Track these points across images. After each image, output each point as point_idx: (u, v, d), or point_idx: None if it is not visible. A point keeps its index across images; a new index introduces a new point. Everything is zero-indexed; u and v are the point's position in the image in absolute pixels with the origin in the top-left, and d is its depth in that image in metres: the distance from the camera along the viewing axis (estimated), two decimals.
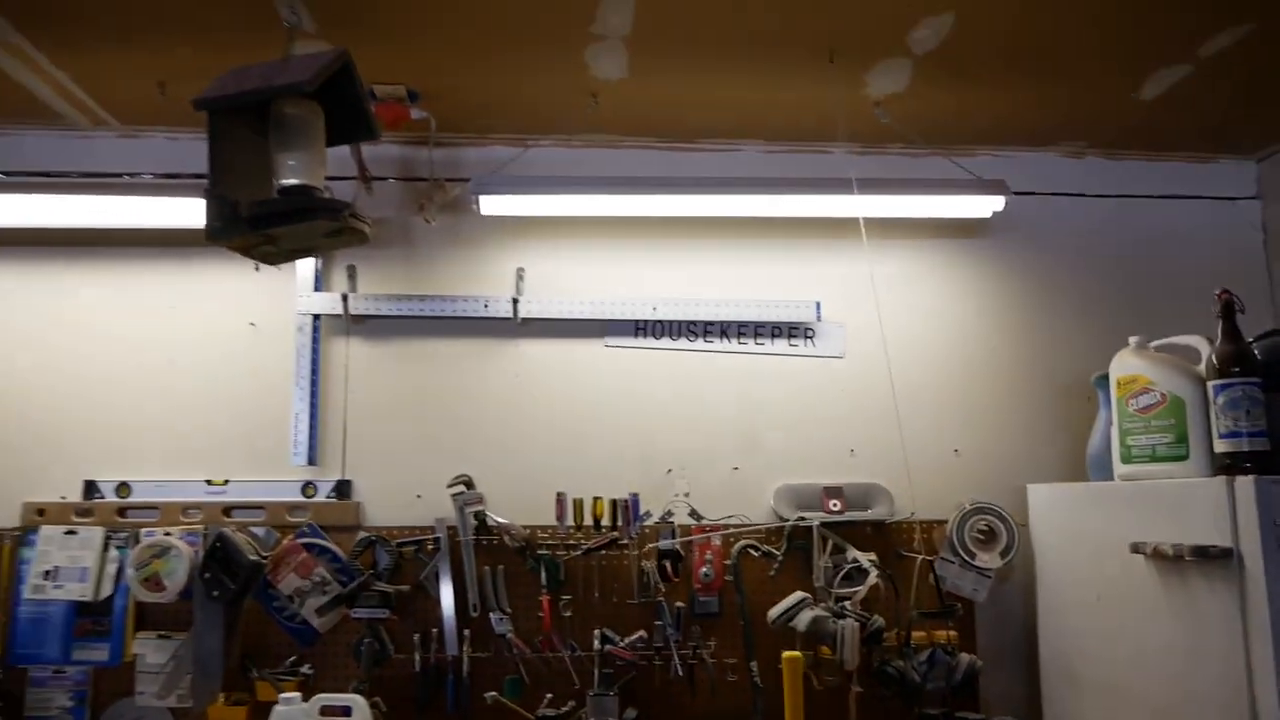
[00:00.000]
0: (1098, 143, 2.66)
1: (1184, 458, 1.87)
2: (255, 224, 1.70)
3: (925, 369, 2.56)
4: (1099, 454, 2.21)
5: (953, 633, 2.27)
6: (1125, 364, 2.03)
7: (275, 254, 1.86)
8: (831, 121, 2.42)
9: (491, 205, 2.33)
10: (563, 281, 2.54)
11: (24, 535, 2.32)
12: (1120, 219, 2.68)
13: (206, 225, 1.71)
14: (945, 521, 2.36)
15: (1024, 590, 2.38)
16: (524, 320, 2.48)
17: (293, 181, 1.74)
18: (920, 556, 2.33)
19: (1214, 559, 1.67)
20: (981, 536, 2.30)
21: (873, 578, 2.21)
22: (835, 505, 2.37)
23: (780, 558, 2.35)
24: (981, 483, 2.46)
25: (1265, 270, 2.70)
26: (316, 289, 2.47)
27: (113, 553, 2.31)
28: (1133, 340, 2.05)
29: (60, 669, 2.27)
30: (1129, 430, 1.98)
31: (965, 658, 2.21)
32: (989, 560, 2.28)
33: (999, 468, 2.50)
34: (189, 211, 2.24)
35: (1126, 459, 1.99)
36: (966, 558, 2.29)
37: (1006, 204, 2.41)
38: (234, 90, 1.71)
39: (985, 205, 2.42)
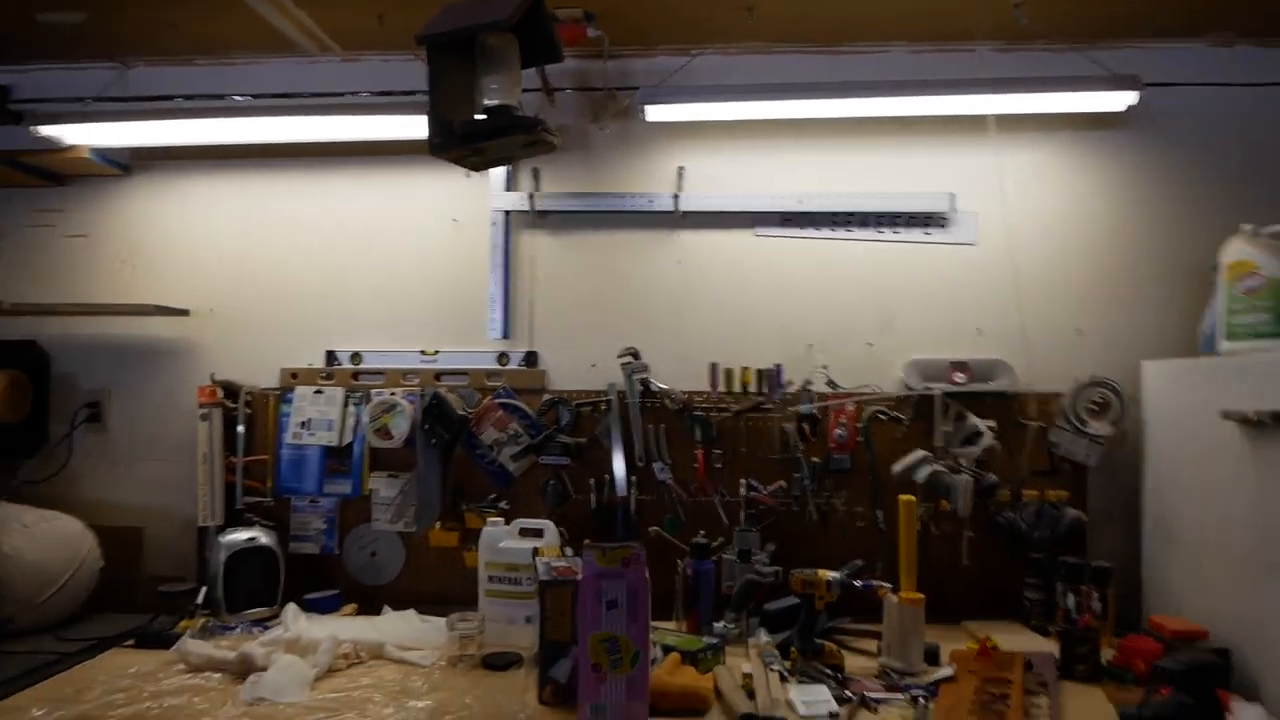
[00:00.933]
0: (1249, 30, 2.67)
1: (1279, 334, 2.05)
2: (467, 139, 2.10)
3: (1052, 255, 2.75)
4: (1210, 333, 2.38)
5: (1063, 492, 2.54)
6: (1236, 250, 2.20)
7: (480, 162, 2.26)
8: (974, 22, 2.57)
9: (656, 113, 2.65)
10: (718, 178, 2.84)
11: (283, 394, 2.89)
12: (1264, 108, 2.72)
13: (429, 140, 2.12)
14: (1062, 394, 2.59)
15: (1134, 458, 2.59)
16: (684, 214, 2.82)
17: (495, 102, 2.11)
18: (1036, 424, 2.59)
19: None
20: (1095, 407, 2.53)
21: (988, 439, 2.50)
22: (960, 378, 2.64)
23: (907, 422, 2.65)
24: (1101, 359, 2.65)
25: None
26: (507, 189, 2.88)
27: (351, 408, 2.85)
28: (1245, 228, 2.20)
29: (315, 499, 2.84)
30: (1234, 310, 2.17)
31: (1071, 512, 2.48)
32: (1101, 428, 2.52)
33: (1118, 345, 2.68)
34: (403, 126, 2.67)
35: (1230, 336, 2.19)
36: (1080, 425, 2.53)
37: (1142, 97, 2.51)
38: (447, 26, 2.08)
39: (1117, 100, 2.54)
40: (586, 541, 1.87)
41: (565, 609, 1.93)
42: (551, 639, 1.94)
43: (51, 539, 2.56)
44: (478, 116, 2.10)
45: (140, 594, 2.72)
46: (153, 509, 2.94)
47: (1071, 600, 2.23)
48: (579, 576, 1.86)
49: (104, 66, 3.02)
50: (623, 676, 1.76)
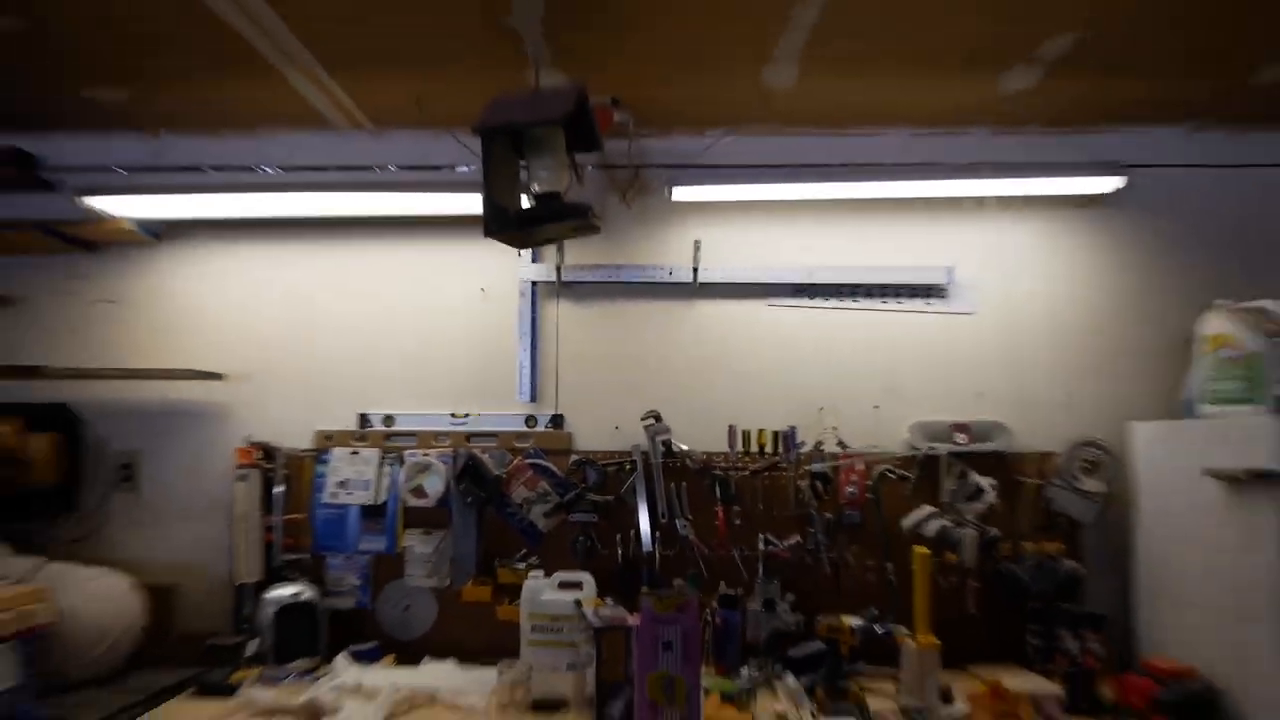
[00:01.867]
0: (1222, 119, 2.95)
1: (1254, 400, 2.30)
2: (522, 223, 2.29)
3: (1045, 323, 3.00)
4: (1191, 398, 2.62)
5: (1060, 545, 2.75)
6: (1215, 323, 2.46)
7: (530, 243, 2.46)
8: (969, 112, 2.86)
9: (682, 194, 2.89)
10: (733, 251, 3.06)
11: (319, 455, 3.02)
12: (1236, 189, 2.99)
13: (484, 223, 2.28)
14: (1056, 454, 2.82)
15: (1124, 513, 2.80)
16: (701, 285, 3.03)
17: (545, 189, 2.31)
18: (1032, 481, 2.81)
19: (1264, 479, 2.12)
20: (1088, 466, 2.76)
21: (990, 496, 2.71)
22: (961, 438, 2.86)
23: (913, 480, 2.85)
24: (1091, 421, 2.90)
25: None
26: (534, 260, 3.07)
27: (386, 468, 2.99)
28: (1221, 302, 2.46)
29: (350, 556, 2.96)
30: (1213, 378, 2.43)
31: (1068, 563, 2.69)
32: (1094, 486, 2.75)
33: (1107, 408, 2.92)
34: (436, 203, 2.88)
35: (1209, 401, 2.44)
36: (1074, 483, 2.76)
37: (1126, 180, 2.80)
38: (502, 119, 2.27)
39: (1104, 184, 2.82)
40: (644, 589, 2.03)
41: (619, 652, 2.09)
42: (606, 679, 2.10)
43: (103, 596, 2.68)
44: (529, 204, 2.29)
45: (176, 648, 2.82)
46: (185, 567, 3.03)
47: (1073, 644, 2.43)
48: (630, 623, 2.03)
49: (133, 136, 3.15)
50: (677, 712, 1.93)
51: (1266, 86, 2.67)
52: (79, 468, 3.08)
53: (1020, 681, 2.48)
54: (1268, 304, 2.37)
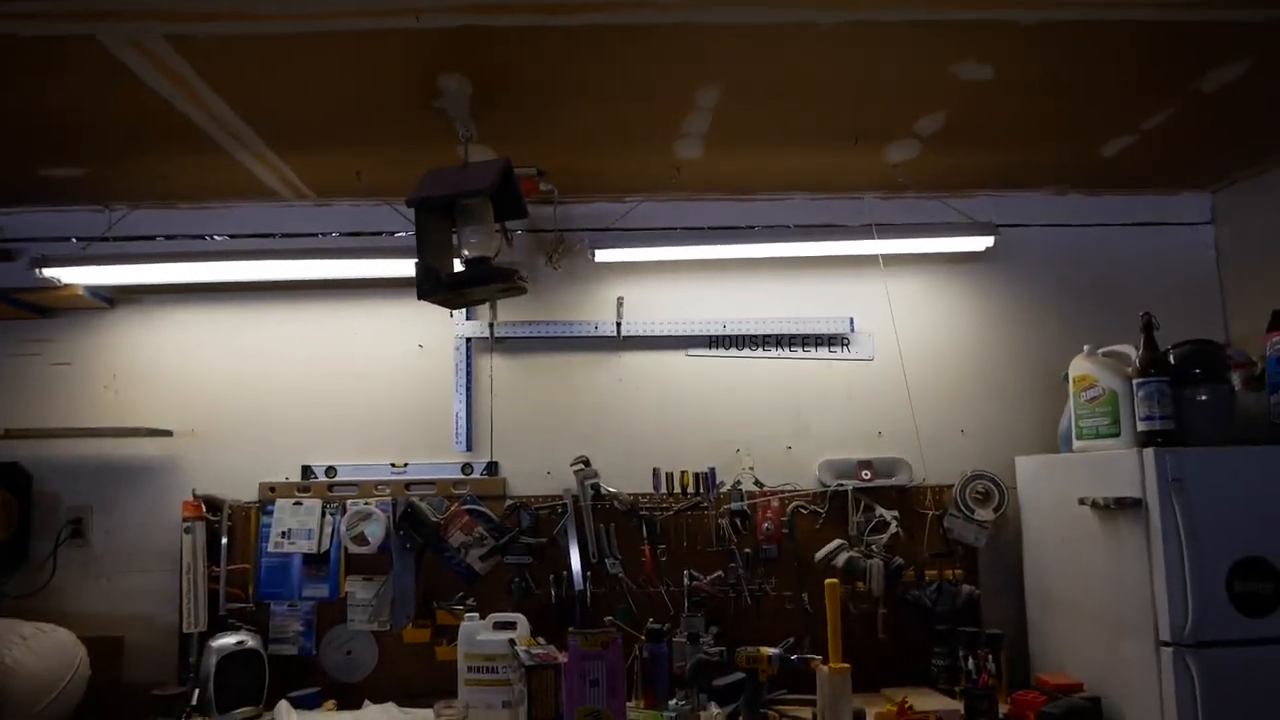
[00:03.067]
0: (1079, 184, 3.25)
1: (1117, 434, 2.51)
2: (452, 287, 2.43)
3: (936, 367, 3.22)
4: (1065, 432, 2.83)
5: (959, 570, 2.93)
6: (1079, 366, 2.67)
7: (460, 303, 2.60)
8: (860, 178, 3.10)
9: (604, 255, 3.06)
10: (653, 306, 3.24)
11: (263, 506, 3.09)
12: (1096, 245, 3.29)
13: (417, 286, 2.42)
14: (951, 486, 3.01)
15: (1015, 538, 3.00)
16: (624, 338, 3.19)
17: (475, 255, 2.45)
18: (931, 512, 3.00)
19: (1128, 506, 2.32)
20: (979, 496, 2.96)
21: (893, 528, 2.89)
22: (866, 475, 3.04)
23: (824, 515, 3.02)
24: (982, 455, 3.11)
25: (1217, 284, 3.27)
26: (468, 318, 3.21)
27: (328, 518, 3.06)
28: (1086, 348, 2.68)
29: (294, 603, 3.01)
30: (1080, 415, 2.63)
31: (966, 588, 2.87)
32: (985, 515, 2.94)
33: (995, 443, 3.14)
34: (374, 268, 3.02)
35: (1079, 436, 2.64)
36: (968, 513, 2.94)
37: (997, 240, 3.05)
38: (435, 192, 2.42)
39: (980, 243, 3.07)
40: (570, 629, 2.14)
41: (549, 690, 2.19)
42: (538, 717, 2.19)
43: (47, 650, 2.68)
44: (459, 268, 2.43)
45: (121, 699, 2.84)
46: (133, 617, 3.06)
47: (971, 664, 2.59)
48: (559, 660, 2.12)
49: (89, 209, 3.25)
50: None
51: (1113, 157, 2.95)
52: (28, 524, 3.10)
53: (928, 701, 2.65)
54: (1125, 348, 2.59)
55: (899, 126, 2.69)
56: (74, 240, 3.19)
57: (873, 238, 2.97)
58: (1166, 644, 2.23)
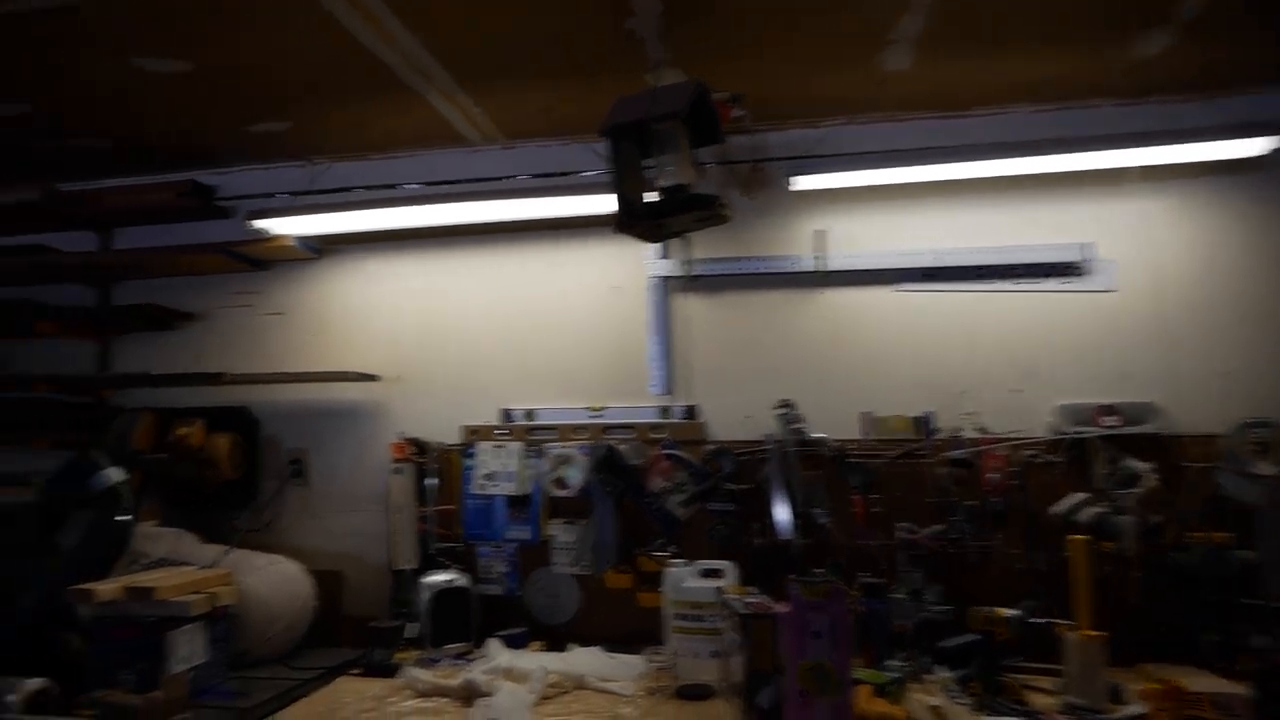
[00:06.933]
0: None
1: None
2: (650, 216, 2.13)
3: (1195, 298, 2.65)
4: None
5: (1228, 534, 2.38)
6: None
7: (659, 235, 2.29)
8: (1095, 81, 2.55)
9: (802, 183, 2.69)
10: (857, 238, 2.85)
11: (466, 449, 2.96)
12: None
13: (615, 219, 2.17)
14: (1217, 436, 2.46)
15: None
16: (826, 273, 2.82)
17: (672, 182, 2.14)
18: (1197, 465, 2.46)
19: None
20: (1257, 447, 2.39)
21: (1149, 481, 2.38)
22: (1110, 421, 2.53)
23: (1060, 465, 2.55)
24: (1255, 399, 2.54)
25: None
26: (662, 257, 2.92)
27: (528, 461, 2.90)
28: None
29: (498, 544, 2.89)
30: None
31: (1241, 553, 2.33)
32: (1265, 469, 2.37)
33: (1269, 385, 2.55)
34: (564, 206, 2.80)
35: None
36: (1244, 466, 2.39)
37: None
38: (627, 117, 2.13)
39: (1253, 145, 2.46)
40: (792, 577, 1.84)
41: (767, 641, 1.92)
42: (755, 669, 1.92)
43: (278, 581, 2.71)
44: (654, 197, 2.13)
45: (342, 630, 2.84)
46: (348, 554, 3.05)
47: (1264, 642, 2.08)
48: (777, 610, 1.83)
49: (293, 165, 3.23)
50: (829, 702, 1.76)
51: None
52: (256, 464, 3.11)
53: (1200, 682, 2.15)
54: None
55: (1158, 9, 2.14)
56: (281, 196, 3.16)
57: (1115, 148, 2.42)
58: None
